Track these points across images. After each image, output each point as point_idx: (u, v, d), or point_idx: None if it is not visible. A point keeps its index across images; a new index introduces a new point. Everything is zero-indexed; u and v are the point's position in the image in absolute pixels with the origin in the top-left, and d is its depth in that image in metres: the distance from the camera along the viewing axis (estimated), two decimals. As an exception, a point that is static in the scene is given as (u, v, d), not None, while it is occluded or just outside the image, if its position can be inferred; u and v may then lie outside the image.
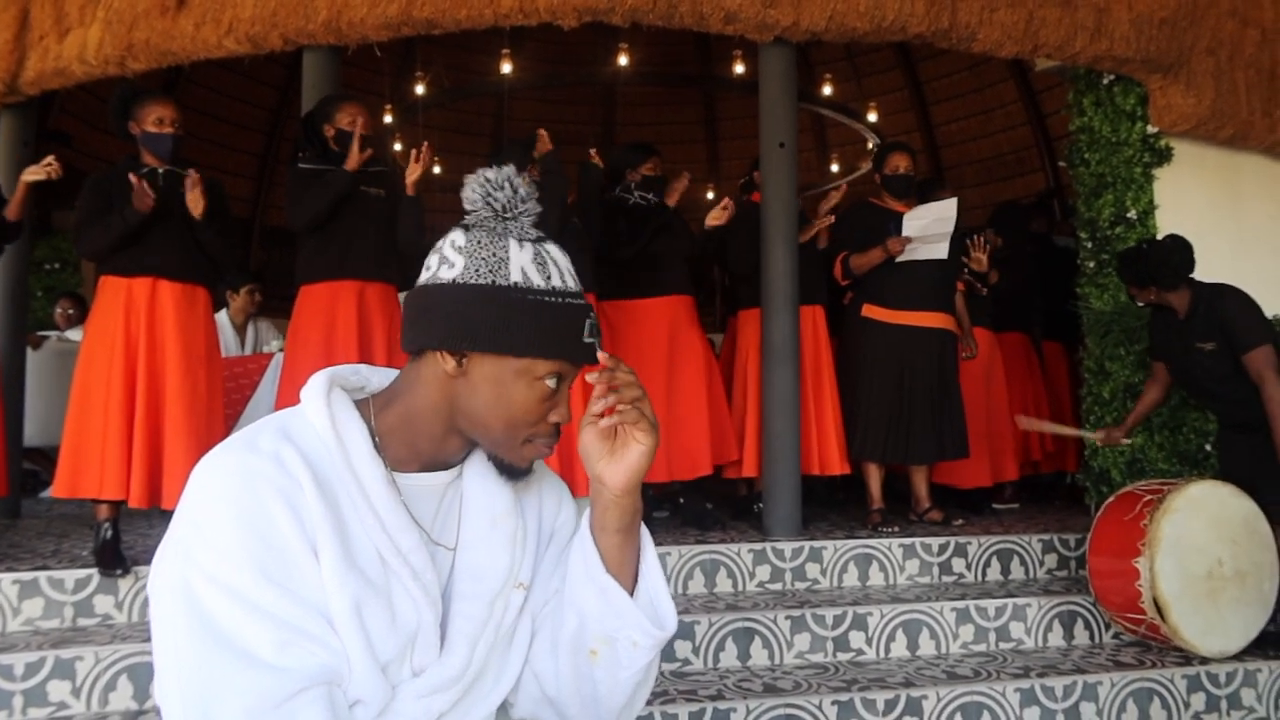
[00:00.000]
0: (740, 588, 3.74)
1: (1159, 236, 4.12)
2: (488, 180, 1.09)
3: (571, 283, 1.10)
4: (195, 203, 3.38)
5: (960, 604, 3.48)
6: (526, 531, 1.20)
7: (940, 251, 4.27)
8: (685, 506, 4.41)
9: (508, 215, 1.09)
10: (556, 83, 8.04)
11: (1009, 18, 4.04)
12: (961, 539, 3.96)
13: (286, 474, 1.02)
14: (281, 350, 4.99)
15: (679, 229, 4.42)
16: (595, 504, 1.14)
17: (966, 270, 4.69)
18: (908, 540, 3.91)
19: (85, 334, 3.41)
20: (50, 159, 3.50)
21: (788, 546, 3.80)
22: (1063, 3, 4.11)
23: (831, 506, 5.03)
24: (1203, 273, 3.66)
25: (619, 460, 1.10)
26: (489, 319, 1.05)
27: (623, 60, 7.06)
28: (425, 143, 3.77)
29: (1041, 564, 4.01)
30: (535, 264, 1.08)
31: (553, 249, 1.12)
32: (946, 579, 3.91)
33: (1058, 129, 8.42)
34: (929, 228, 4.24)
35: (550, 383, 1.08)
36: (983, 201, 8.70)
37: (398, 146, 8.32)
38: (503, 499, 1.18)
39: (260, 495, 0.99)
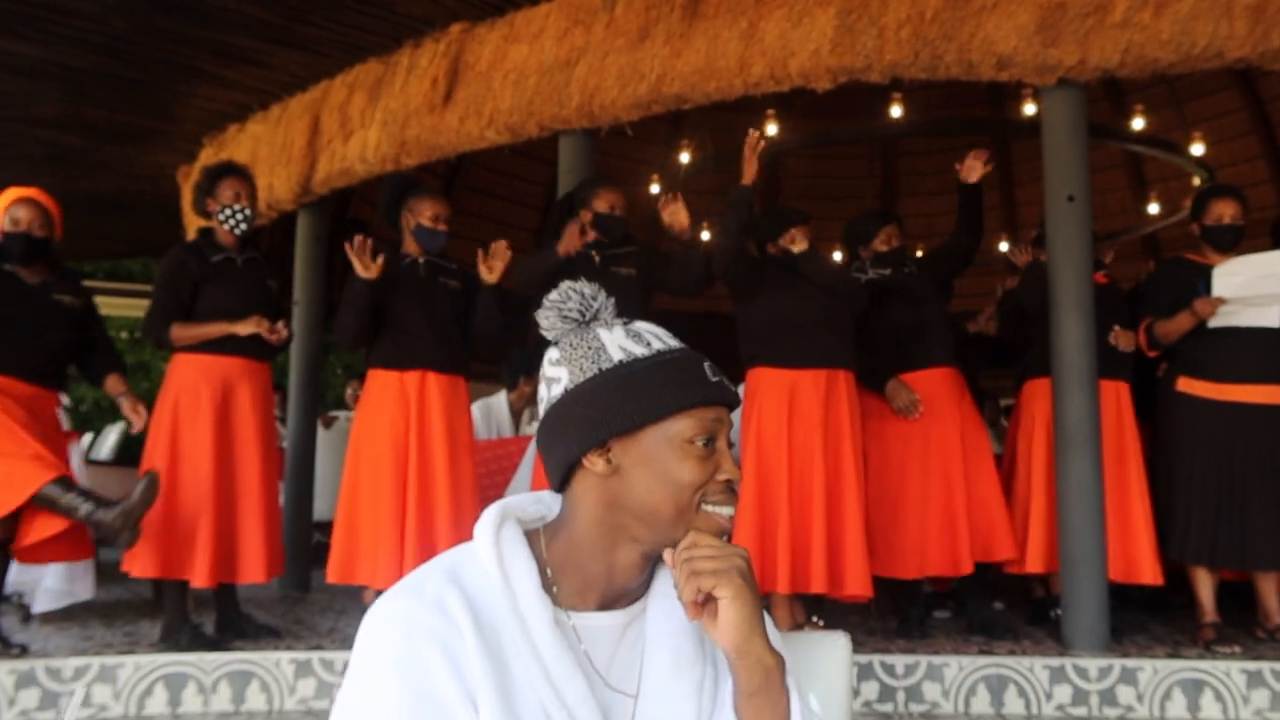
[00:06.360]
0: (1034, 710, 3.27)
1: None
2: (553, 301, 1.10)
3: (674, 343, 1.10)
4: (493, 269, 3.57)
5: (1328, 758, 2.79)
6: (717, 680, 1.08)
7: (1271, 317, 3.55)
8: (970, 607, 3.92)
9: (587, 317, 1.10)
10: (825, 141, 7.76)
11: (1365, 23, 3.30)
12: (1328, 667, 3.21)
13: (448, 622, 0.99)
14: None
15: (930, 296, 4.02)
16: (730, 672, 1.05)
17: None
18: (1253, 665, 3.23)
19: (354, 426, 3.57)
20: (264, 323, 3.43)
21: (1093, 665, 3.27)
22: None
23: (1156, 613, 4.26)
24: None
25: (718, 621, 1.01)
26: (613, 400, 1.03)
27: (895, 111, 6.68)
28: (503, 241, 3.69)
29: None
30: (630, 339, 1.08)
31: (642, 324, 1.12)
32: (1308, 717, 3.17)
33: None
34: (1250, 285, 3.53)
35: (700, 443, 1.03)
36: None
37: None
38: (688, 643, 1.07)
39: (419, 649, 0.97)
